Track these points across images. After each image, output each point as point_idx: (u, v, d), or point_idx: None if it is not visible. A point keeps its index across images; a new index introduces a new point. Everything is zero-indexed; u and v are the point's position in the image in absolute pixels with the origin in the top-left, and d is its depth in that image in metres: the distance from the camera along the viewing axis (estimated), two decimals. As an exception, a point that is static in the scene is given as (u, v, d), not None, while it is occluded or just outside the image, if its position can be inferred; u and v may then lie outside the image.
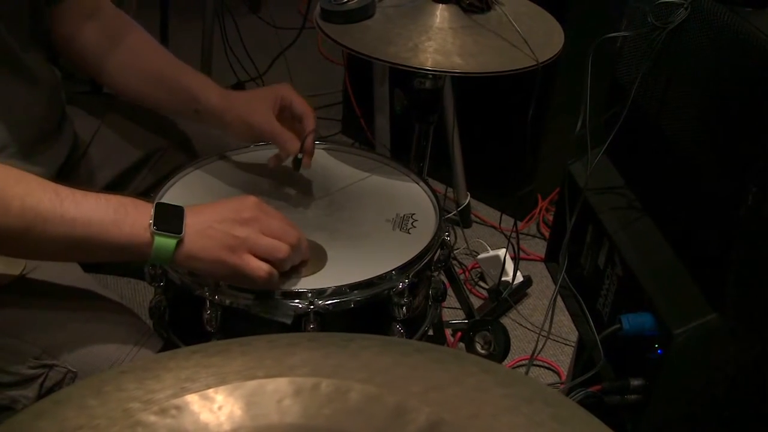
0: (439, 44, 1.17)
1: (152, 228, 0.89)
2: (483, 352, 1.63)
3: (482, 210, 2.36)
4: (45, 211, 0.85)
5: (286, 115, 1.20)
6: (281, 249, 0.94)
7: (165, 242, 0.89)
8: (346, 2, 1.21)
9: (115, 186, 1.27)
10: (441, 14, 1.22)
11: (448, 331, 1.70)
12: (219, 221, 0.93)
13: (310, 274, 1.01)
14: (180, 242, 0.90)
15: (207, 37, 2.32)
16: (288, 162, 1.21)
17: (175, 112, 1.30)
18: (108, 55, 1.23)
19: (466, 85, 2.07)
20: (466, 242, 2.16)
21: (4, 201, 0.83)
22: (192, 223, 0.91)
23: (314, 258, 1.03)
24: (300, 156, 1.17)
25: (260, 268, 0.93)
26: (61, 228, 0.86)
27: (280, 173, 1.23)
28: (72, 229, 0.86)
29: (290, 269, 0.99)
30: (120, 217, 0.88)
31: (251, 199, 0.97)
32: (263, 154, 1.26)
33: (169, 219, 0.90)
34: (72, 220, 0.86)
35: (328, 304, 0.97)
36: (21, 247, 0.88)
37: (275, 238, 0.95)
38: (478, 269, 2.08)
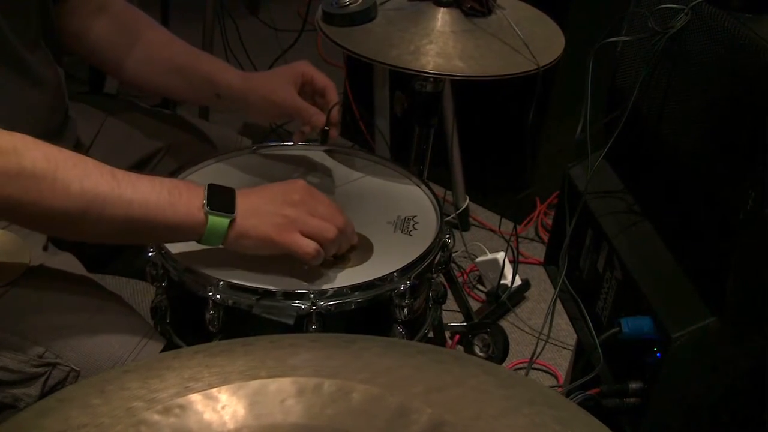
0: (440, 47, 1.17)
1: (206, 208, 0.92)
2: (481, 354, 1.63)
3: (481, 213, 2.36)
4: (103, 193, 0.87)
5: (307, 90, 1.24)
6: (330, 230, 0.97)
7: (218, 221, 0.92)
8: (348, 5, 1.21)
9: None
10: (442, 18, 1.22)
11: (447, 334, 1.70)
12: (269, 202, 0.96)
13: (356, 265, 1.03)
14: (232, 221, 0.93)
15: (207, 39, 2.32)
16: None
17: (196, 99, 1.34)
18: (126, 51, 1.25)
19: (466, 88, 2.08)
20: (465, 245, 2.16)
21: (64, 183, 0.85)
22: (243, 202, 0.94)
23: (360, 249, 1.05)
24: (327, 128, 1.21)
25: (309, 245, 0.96)
26: (119, 209, 0.88)
27: (280, 176, 1.23)
28: (129, 211, 0.88)
29: (336, 259, 1.02)
30: (175, 198, 0.91)
31: (300, 183, 1.00)
32: (263, 158, 1.26)
33: (222, 199, 0.94)
34: (129, 202, 0.88)
35: (329, 305, 0.97)
36: (79, 228, 0.90)
37: (323, 220, 0.98)
38: (477, 272, 2.08)
